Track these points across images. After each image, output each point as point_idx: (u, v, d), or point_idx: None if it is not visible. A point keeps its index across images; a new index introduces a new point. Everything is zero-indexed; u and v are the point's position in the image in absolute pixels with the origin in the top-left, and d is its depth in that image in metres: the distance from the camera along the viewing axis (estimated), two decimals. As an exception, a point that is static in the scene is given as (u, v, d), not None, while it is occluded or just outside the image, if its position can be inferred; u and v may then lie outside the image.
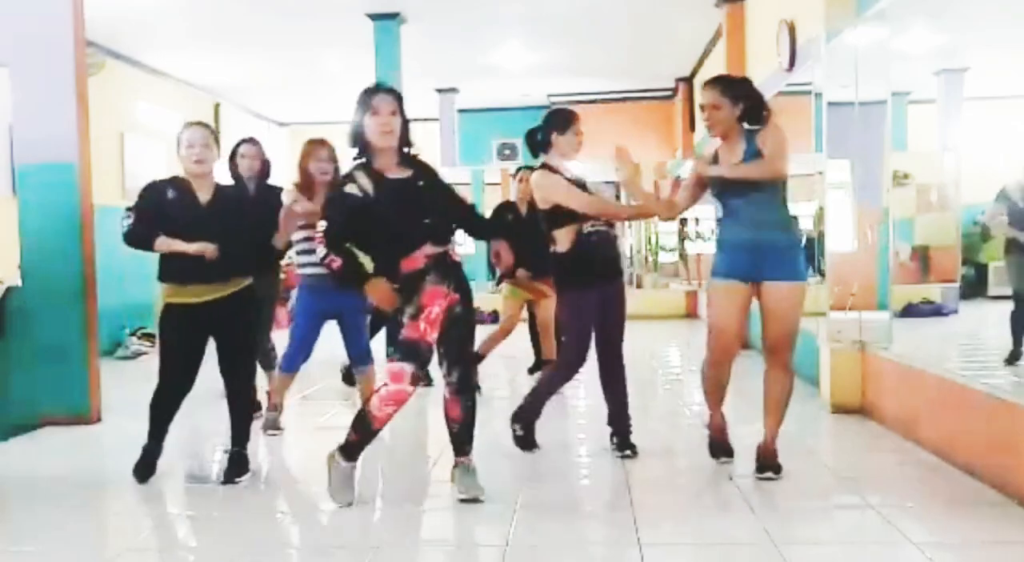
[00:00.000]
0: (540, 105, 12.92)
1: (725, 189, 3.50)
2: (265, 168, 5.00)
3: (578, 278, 3.86)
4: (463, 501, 3.23)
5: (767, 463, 3.50)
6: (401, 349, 3.15)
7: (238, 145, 5.00)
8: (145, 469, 3.67)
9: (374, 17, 8.11)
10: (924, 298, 6.75)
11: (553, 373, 4.20)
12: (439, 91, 11.76)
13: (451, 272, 3.22)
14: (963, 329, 6.80)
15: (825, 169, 4.87)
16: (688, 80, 11.78)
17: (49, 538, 3.06)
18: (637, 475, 3.62)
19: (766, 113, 3.49)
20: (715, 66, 9.28)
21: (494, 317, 10.23)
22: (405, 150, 3.27)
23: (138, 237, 3.59)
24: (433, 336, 3.17)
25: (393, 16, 8.11)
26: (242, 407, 3.76)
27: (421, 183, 3.23)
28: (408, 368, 3.13)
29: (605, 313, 3.91)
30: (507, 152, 13.22)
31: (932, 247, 8.20)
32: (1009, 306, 5.13)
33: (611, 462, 3.87)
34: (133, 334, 8.65)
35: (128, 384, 6.70)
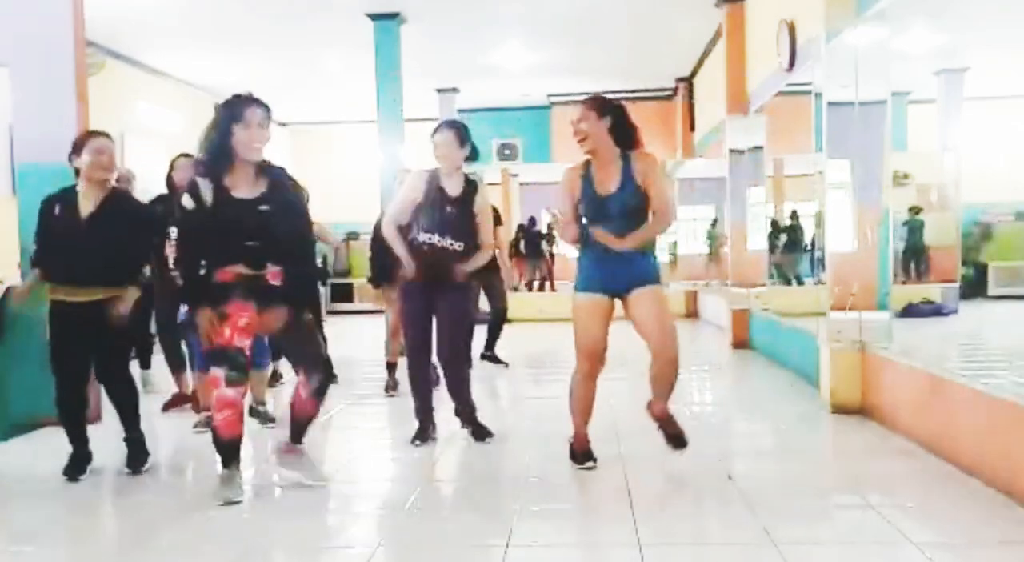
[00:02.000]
0: (540, 105, 12.95)
1: (597, 218, 3.54)
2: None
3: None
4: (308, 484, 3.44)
5: (669, 432, 3.69)
6: (209, 356, 3.31)
7: (175, 158, 5.11)
8: (75, 469, 3.75)
9: (374, 17, 8.11)
10: (924, 298, 6.77)
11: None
12: (439, 91, 11.76)
13: (264, 292, 3.29)
14: (963, 329, 6.80)
15: (825, 169, 4.87)
16: (688, 80, 11.78)
17: (49, 538, 3.06)
18: (637, 475, 3.61)
19: (636, 135, 3.66)
20: (715, 66, 9.28)
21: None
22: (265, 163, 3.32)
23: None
24: (242, 341, 3.27)
25: (393, 16, 8.11)
26: (123, 395, 3.89)
27: (264, 207, 3.26)
28: (219, 373, 3.26)
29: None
30: (507, 152, 13.23)
31: (932, 247, 8.21)
32: (1010, 306, 5.14)
33: (611, 462, 3.87)
34: (133, 334, 8.64)
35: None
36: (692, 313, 11.55)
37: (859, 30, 4.62)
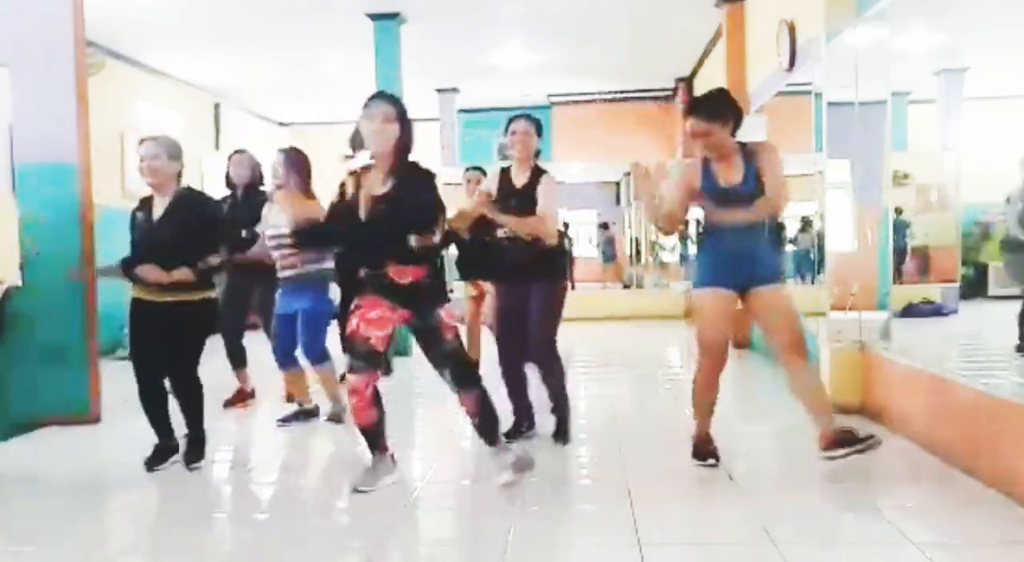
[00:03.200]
0: (540, 105, 12.94)
1: (718, 207, 3.56)
2: (255, 175, 5.33)
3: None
4: (504, 485, 3.37)
5: (842, 439, 3.44)
6: (343, 345, 3.43)
7: (231, 155, 5.36)
8: (153, 460, 3.89)
9: (374, 17, 8.11)
10: (924, 298, 6.76)
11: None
12: (439, 91, 11.77)
13: (392, 291, 3.29)
14: (963, 329, 6.80)
15: (825, 169, 4.87)
16: (688, 80, 11.78)
17: (49, 538, 3.06)
18: (637, 475, 3.62)
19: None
20: (715, 66, 9.28)
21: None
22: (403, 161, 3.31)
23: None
24: (372, 332, 3.29)
25: (393, 16, 8.11)
26: (185, 402, 3.97)
27: (387, 204, 3.23)
28: (347, 359, 3.37)
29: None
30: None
31: (932, 247, 8.20)
32: (1010, 306, 5.13)
33: (611, 462, 3.87)
34: (133, 334, 8.65)
35: (128, 384, 6.69)
36: (692, 313, 11.55)
37: (859, 30, 4.62)
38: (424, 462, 4.02)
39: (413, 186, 3.26)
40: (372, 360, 3.32)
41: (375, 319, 3.30)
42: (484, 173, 5.56)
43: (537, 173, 4.06)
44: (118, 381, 6.44)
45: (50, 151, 4.94)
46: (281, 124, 13.70)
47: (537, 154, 4.13)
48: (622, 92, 12.30)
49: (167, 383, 3.97)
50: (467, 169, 6.02)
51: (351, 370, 3.34)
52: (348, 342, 3.35)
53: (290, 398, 5.03)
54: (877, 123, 4.49)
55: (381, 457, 3.48)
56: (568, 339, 6.65)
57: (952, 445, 3.56)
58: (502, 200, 4.01)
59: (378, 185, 3.27)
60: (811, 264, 6.70)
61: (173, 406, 3.98)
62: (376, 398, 3.39)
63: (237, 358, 5.32)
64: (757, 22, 7.64)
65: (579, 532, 3.04)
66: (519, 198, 4.01)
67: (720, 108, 3.52)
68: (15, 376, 4.83)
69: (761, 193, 3.48)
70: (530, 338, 4.06)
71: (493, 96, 12.25)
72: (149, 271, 3.76)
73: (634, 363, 7.04)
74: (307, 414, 4.85)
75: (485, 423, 3.43)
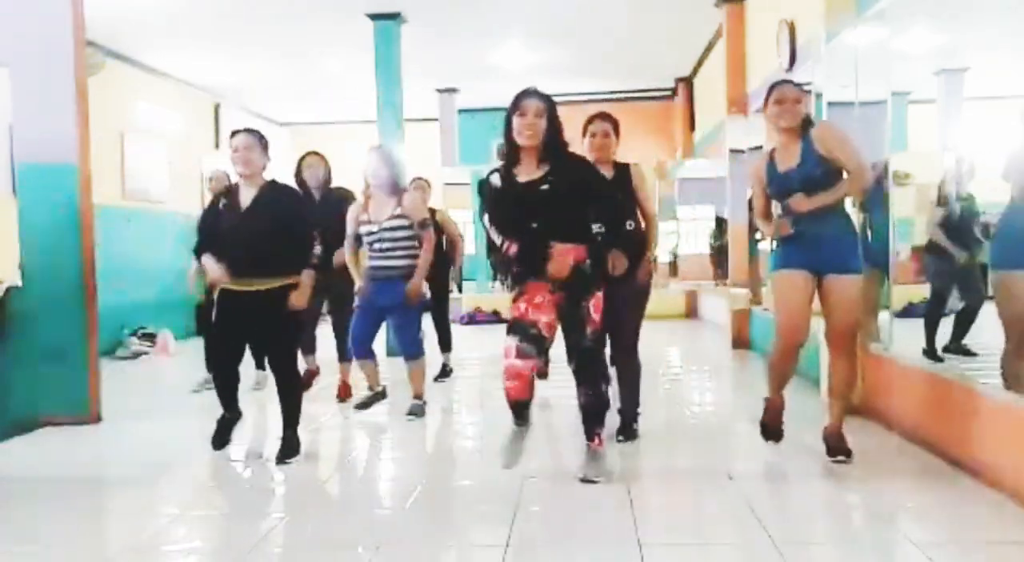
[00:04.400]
0: (540, 105, 12.94)
1: (781, 196, 3.64)
2: (328, 174, 5.57)
3: None
4: (581, 480, 3.44)
5: (837, 447, 3.60)
6: (508, 327, 3.44)
7: (303, 157, 5.57)
8: (219, 438, 4.12)
9: (374, 17, 8.11)
10: (924, 298, 6.75)
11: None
12: (439, 91, 11.77)
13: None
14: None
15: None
16: (688, 80, 11.78)
17: (50, 538, 3.06)
18: (637, 475, 3.62)
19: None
20: (715, 66, 9.29)
21: (496, 317, 10.26)
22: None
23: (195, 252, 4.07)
24: (538, 317, 3.38)
25: (393, 16, 8.11)
26: (285, 393, 4.02)
27: (544, 187, 3.39)
28: (511, 342, 3.37)
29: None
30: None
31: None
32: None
33: (611, 462, 3.87)
34: (133, 334, 8.65)
35: (128, 384, 6.71)
36: (692, 313, 11.55)
37: (859, 30, 4.62)
38: (424, 462, 4.02)
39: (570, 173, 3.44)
40: (540, 345, 3.41)
41: (540, 304, 3.40)
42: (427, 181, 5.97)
43: (621, 168, 4.09)
44: (118, 381, 6.47)
45: (50, 151, 4.94)
46: (281, 124, 13.70)
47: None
48: (622, 92, 12.31)
49: (270, 374, 4.14)
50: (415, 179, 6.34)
51: (519, 355, 3.35)
52: (515, 325, 3.39)
53: (342, 397, 5.39)
54: (877, 123, 4.48)
55: (522, 428, 3.55)
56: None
57: (952, 445, 3.56)
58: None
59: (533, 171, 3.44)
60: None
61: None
62: (533, 383, 3.50)
63: (307, 346, 5.60)
64: (757, 22, 7.65)
65: (579, 532, 3.04)
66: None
67: (803, 87, 3.70)
68: (15, 376, 4.83)
69: (823, 174, 3.50)
70: (614, 336, 4.05)
71: (493, 96, 12.22)
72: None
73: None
74: (381, 396, 4.98)
75: (589, 419, 3.54)
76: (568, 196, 3.38)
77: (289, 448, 3.95)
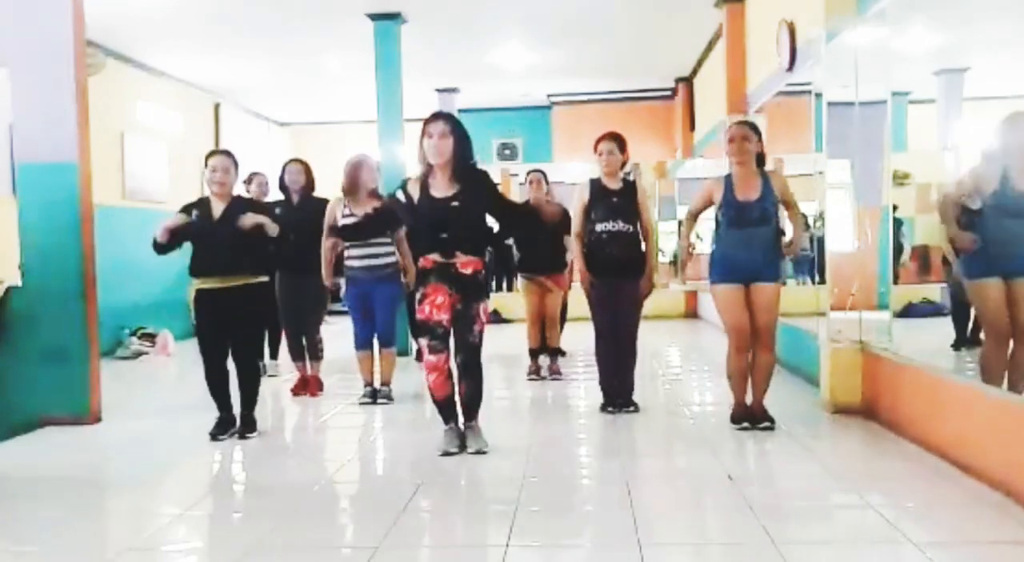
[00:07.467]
0: (540, 105, 12.95)
1: (737, 220, 4.22)
2: (309, 182, 5.85)
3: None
4: (474, 453, 3.91)
5: (763, 416, 4.30)
6: (418, 329, 4.03)
7: (286, 164, 5.91)
8: (218, 430, 4.45)
9: (374, 17, 8.11)
10: (924, 298, 6.74)
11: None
12: (439, 91, 11.75)
13: (456, 278, 3.86)
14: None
15: (825, 169, 4.87)
16: (688, 80, 11.77)
17: (50, 538, 3.06)
18: (637, 475, 3.62)
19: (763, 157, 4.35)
20: (715, 66, 9.28)
21: (496, 317, 10.28)
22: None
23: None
24: (441, 316, 3.87)
25: (393, 16, 8.11)
26: (246, 379, 4.51)
27: (455, 203, 3.82)
28: (423, 342, 3.95)
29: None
30: (507, 152, 13.22)
31: (932, 247, 8.19)
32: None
33: (611, 462, 3.87)
34: (133, 334, 8.65)
35: (128, 384, 6.71)
36: (692, 313, 11.55)
37: (859, 30, 4.62)
38: (424, 462, 4.02)
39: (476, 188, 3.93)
40: (446, 341, 3.90)
41: (441, 304, 3.87)
42: (544, 175, 6.35)
43: (628, 182, 4.81)
44: (118, 381, 6.46)
45: (50, 151, 4.94)
46: (281, 124, 13.70)
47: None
48: (622, 92, 12.30)
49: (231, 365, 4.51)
50: (529, 172, 6.54)
51: (431, 351, 3.88)
52: (423, 327, 3.91)
53: (296, 392, 5.67)
54: (877, 123, 4.48)
55: (454, 426, 4.02)
56: (565, 338, 6.66)
57: (952, 445, 3.56)
58: (603, 200, 4.71)
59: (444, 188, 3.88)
60: (810, 265, 6.70)
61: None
62: (451, 374, 3.96)
63: (296, 351, 5.75)
64: (757, 22, 7.64)
65: (579, 532, 3.04)
66: (619, 197, 4.73)
67: (758, 130, 4.37)
68: (15, 376, 4.83)
69: (774, 210, 4.24)
70: (617, 327, 4.74)
71: (493, 96, 12.24)
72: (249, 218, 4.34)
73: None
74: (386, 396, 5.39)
75: (470, 405, 4.03)
76: (473, 210, 3.88)
77: (249, 425, 4.48)
